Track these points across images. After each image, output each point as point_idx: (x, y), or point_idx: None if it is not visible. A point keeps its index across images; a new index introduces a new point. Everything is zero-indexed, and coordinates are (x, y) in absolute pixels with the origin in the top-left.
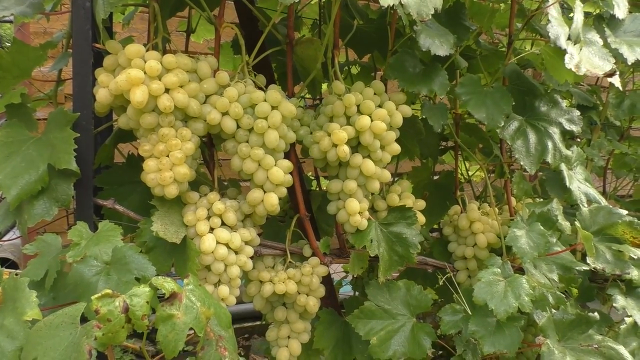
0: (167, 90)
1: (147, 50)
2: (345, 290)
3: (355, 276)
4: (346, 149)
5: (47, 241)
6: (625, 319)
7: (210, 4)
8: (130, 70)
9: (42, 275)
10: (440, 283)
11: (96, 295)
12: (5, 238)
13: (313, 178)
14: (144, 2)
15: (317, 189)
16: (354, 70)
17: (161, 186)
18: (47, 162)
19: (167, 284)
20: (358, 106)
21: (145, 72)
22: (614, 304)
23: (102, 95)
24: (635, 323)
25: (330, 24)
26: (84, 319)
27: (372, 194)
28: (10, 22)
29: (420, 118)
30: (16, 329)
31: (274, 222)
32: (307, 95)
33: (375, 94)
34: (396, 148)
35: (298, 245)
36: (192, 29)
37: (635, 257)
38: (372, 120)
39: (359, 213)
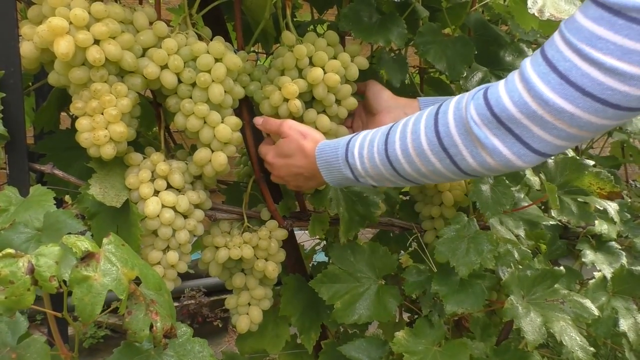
0: (96, 42)
1: None
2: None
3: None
4: (298, 103)
5: None
6: (595, 273)
7: None
8: (52, 18)
9: None
10: (407, 244)
11: None
12: None
13: None
14: None
15: None
16: (320, 30)
17: (96, 146)
18: None
19: (81, 243)
20: (310, 58)
21: (70, 22)
22: (583, 259)
23: (27, 49)
24: (604, 277)
25: None
26: None
27: None
28: None
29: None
30: None
31: (238, 188)
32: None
33: (329, 45)
34: (353, 102)
35: (257, 209)
36: None
37: (601, 209)
38: (325, 73)
39: None
